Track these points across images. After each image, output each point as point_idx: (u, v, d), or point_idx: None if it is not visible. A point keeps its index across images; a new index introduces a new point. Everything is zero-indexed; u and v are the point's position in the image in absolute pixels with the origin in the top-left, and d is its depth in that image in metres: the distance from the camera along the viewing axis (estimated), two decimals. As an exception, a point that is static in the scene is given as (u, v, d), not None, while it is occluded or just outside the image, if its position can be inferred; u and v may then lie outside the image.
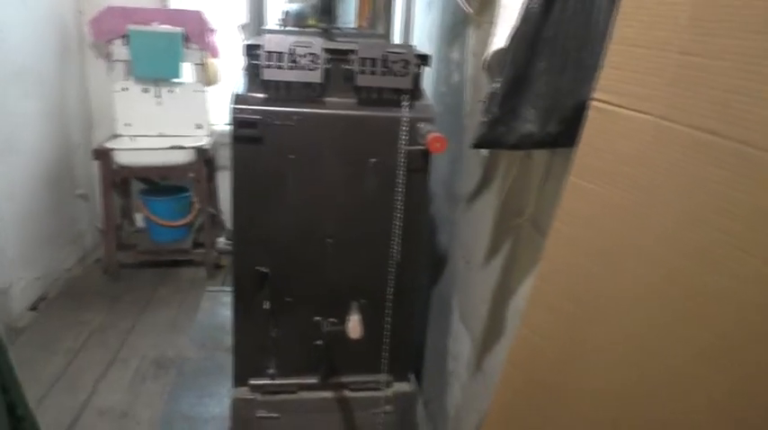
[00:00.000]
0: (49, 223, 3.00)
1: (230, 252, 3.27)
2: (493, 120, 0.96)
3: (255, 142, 1.46)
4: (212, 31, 3.30)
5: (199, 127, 3.34)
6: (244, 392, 1.69)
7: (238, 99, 1.46)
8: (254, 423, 1.70)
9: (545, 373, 0.91)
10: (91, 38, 3.24)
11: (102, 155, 3.01)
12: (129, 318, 2.87)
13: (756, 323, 0.61)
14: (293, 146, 1.48)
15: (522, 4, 0.93)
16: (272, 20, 2.13)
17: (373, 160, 1.52)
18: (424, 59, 1.53)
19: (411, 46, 1.50)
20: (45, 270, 2.96)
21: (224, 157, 3.66)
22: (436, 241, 2.09)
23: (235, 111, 1.44)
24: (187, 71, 3.29)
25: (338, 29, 1.92)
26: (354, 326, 1.51)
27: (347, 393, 1.75)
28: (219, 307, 2.90)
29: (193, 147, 3.13)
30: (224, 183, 3.62)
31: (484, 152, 1.52)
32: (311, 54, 1.41)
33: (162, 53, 3.11)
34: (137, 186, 3.55)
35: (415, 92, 1.52)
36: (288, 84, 1.46)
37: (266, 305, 1.60)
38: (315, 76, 1.43)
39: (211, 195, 3.57)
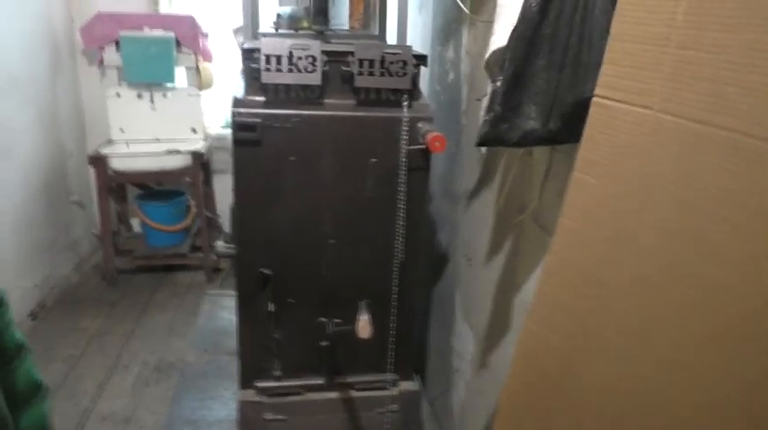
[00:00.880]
0: (45, 231, 2.99)
1: (230, 255, 3.28)
2: (495, 118, 0.97)
3: (255, 145, 1.47)
4: (205, 35, 3.30)
5: (194, 131, 3.34)
6: (250, 395, 1.70)
7: (237, 102, 1.47)
8: (261, 425, 1.71)
9: (552, 366, 0.93)
10: (82, 45, 3.23)
11: (98, 161, 3.01)
12: (127, 323, 2.87)
13: (756, 311, 0.63)
14: (293, 148, 1.49)
15: (521, 3, 0.95)
16: (265, 23, 2.14)
17: (373, 160, 1.53)
18: (421, 59, 1.55)
19: (409, 46, 1.51)
20: (42, 277, 2.95)
21: (219, 161, 3.67)
22: (436, 239, 2.10)
23: (234, 114, 1.45)
24: (181, 75, 3.29)
25: (332, 30, 1.93)
26: (364, 325, 1.52)
27: (353, 393, 1.76)
28: (219, 310, 2.90)
29: (189, 152, 3.12)
30: (220, 187, 3.62)
31: (483, 149, 1.54)
32: (310, 56, 1.42)
33: (154, 58, 3.11)
34: (132, 191, 3.55)
35: (413, 92, 1.54)
36: (286, 86, 1.47)
37: (270, 307, 1.60)
38: (314, 79, 1.44)
39: (208, 199, 3.56)
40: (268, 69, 1.42)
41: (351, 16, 2.89)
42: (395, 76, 1.47)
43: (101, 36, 3.10)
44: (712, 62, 0.67)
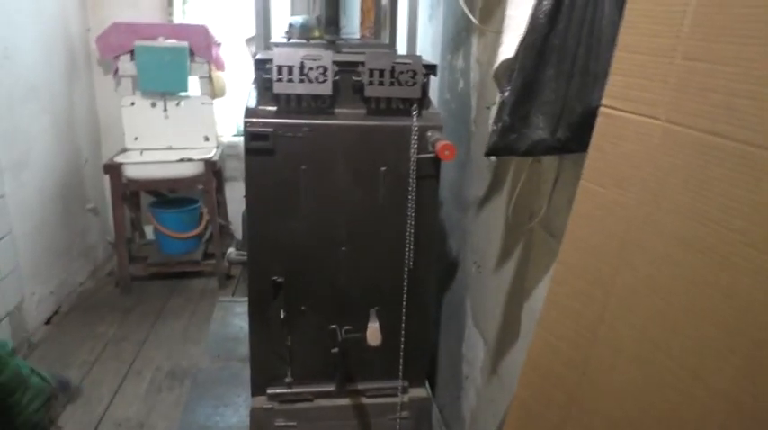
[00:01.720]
0: (60, 237, 3.04)
1: (243, 262, 3.31)
2: (504, 128, 0.98)
3: (268, 154, 1.49)
4: (218, 44, 3.34)
5: (206, 139, 3.38)
6: (262, 401, 1.71)
7: (250, 112, 1.49)
8: (272, 431, 1.72)
9: (563, 374, 0.93)
10: (98, 55, 3.29)
11: (112, 169, 3.05)
12: (142, 329, 2.90)
13: (764, 319, 0.63)
14: (305, 156, 1.51)
15: (529, 14, 0.96)
16: (277, 32, 2.16)
17: (383, 169, 1.55)
18: (431, 69, 1.56)
19: (419, 56, 1.53)
20: (58, 284, 2.99)
21: (232, 168, 3.71)
22: (446, 246, 2.11)
23: (247, 124, 1.47)
24: (194, 84, 3.33)
25: (343, 40, 1.95)
26: (373, 333, 1.53)
27: (363, 400, 1.76)
28: (232, 317, 2.92)
29: (202, 160, 3.16)
30: (233, 194, 3.66)
31: (492, 158, 1.54)
32: (321, 67, 1.43)
33: (168, 67, 3.16)
34: (146, 199, 3.59)
35: (423, 101, 1.55)
36: (298, 96, 1.49)
37: (282, 314, 1.62)
38: (325, 89, 1.45)
39: (220, 206, 3.60)
40: (280, 80, 1.44)
41: (361, 24, 2.92)
42: (405, 86, 1.49)
43: (116, 45, 3.16)
44: (722, 73, 0.67)
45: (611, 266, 0.84)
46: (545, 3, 0.93)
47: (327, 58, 1.45)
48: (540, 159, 1.24)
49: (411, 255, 1.61)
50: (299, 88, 1.45)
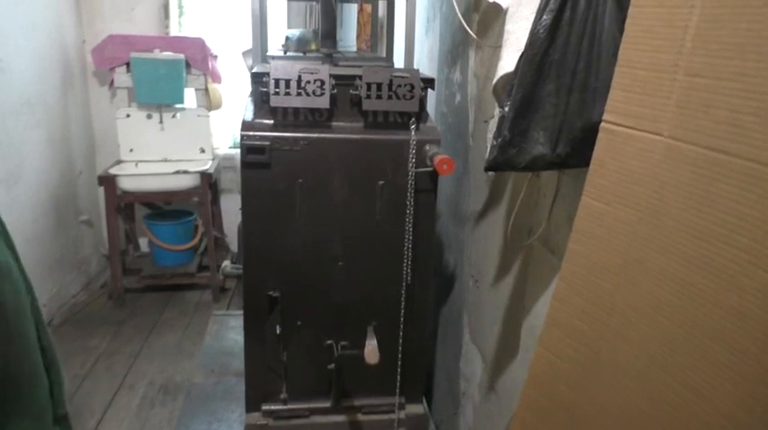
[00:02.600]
0: (53, 249, 3.01)
1: (238, 275, 3.28)
2: (504, 143, 0.97)
3: (264, 167, 1.48)
4: (214, 56, 3.34)
5: (202, 151, 3.37)
6: (257, 418, 1.69)
7: (247, 125, 1.48)
8: (266, 448, 1.69)
9: (564, 393, 0.92)
10: (94, 66, 3.28)
11: (107, 181, 3.03)
12: (135, 342, 2.87)
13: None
14: (302, 170, 1.50)
15: (529, 29, 0.95)
16: (274, 45, 2.16)
17: (381, 182, 1.54)
18: (428, 83, 1.56)
19: (416, 70, 1.53)
20: (50, 296, 2.96)
21: (227, 181, 3.69)
22: (443, 260, 2.10)
23: (243, 137, 1.46)
24: (190, 96, 3.32)
25: (340, 53, 1.95)
26: (372, 351, 1.51)
27: (360, 416, 1.74)
28: (227, 330, 2.89)
29: (197, 172, 3.15)
30: (228, 207, 3.64)
31: (491, 172, 1.54)
32: (318, 80, 1.43)
33: (164, 79, 3.15)
34: (141, 211, 3.57)
35: (420, 114, 1.54)
36: (295, 109, 1.48)
37: (278, 329, 1.60)
38: (322, 102, 1.45)
39: (216, 218, 3.58)
40: (277, 93, 1.43)
41: (358, 38, 2.93)
42: (402, 100, 1.48)
43: (112, 57, 3.15)
44: (725, 89, 0.67)
45: (613, 284, 0.83)
46: (545, 17, 0.92)
47: (325, 71, 1.44)
48: (539, 174, 1.24)
49: (408, 269, 1.59)
50: (297, 101, 1.45)
